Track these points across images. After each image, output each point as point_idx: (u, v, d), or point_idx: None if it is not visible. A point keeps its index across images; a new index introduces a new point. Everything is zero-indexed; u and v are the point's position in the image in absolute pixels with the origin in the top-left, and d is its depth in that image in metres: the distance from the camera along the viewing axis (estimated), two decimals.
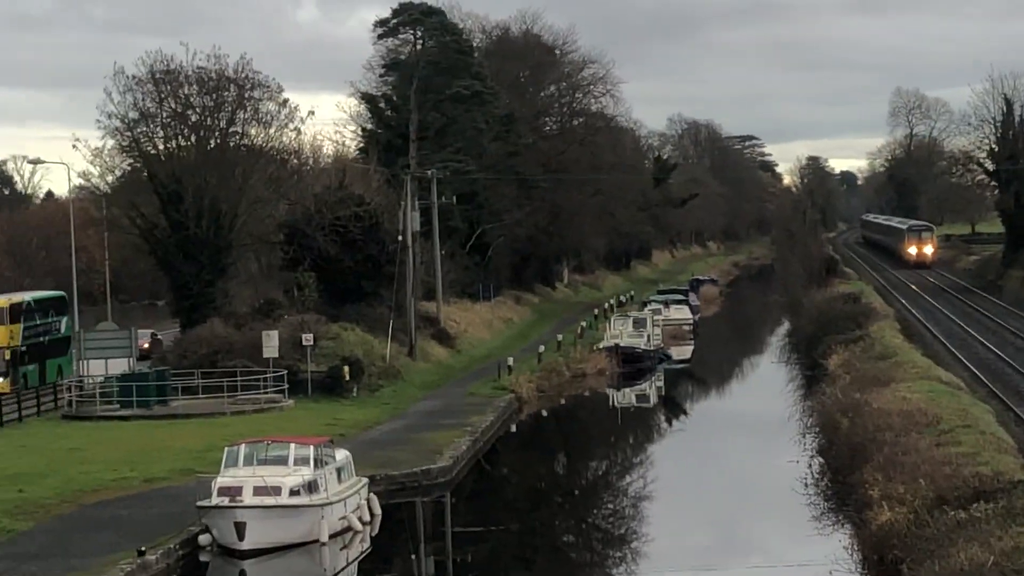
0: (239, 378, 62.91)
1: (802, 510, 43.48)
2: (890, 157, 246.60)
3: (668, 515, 47.15)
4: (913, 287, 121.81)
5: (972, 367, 68.09)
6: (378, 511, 43.48)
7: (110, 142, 75.79)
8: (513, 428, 65.76)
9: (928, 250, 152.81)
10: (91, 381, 64.71)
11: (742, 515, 46.97)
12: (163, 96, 74.54)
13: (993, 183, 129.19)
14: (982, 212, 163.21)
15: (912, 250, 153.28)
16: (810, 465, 49.36)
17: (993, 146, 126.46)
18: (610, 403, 76.95)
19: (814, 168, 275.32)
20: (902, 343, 70.45)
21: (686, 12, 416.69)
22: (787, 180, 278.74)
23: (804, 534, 40.91)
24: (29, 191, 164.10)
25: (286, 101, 76.72)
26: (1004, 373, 66.58)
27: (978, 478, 35.78)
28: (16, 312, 68.10)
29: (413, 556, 41.75)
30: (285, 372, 64.35)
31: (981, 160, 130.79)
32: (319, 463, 40.56)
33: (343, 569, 39.89)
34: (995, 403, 56.24)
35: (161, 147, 75.51)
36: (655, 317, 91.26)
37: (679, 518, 47.27)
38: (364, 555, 40.68)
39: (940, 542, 31.36)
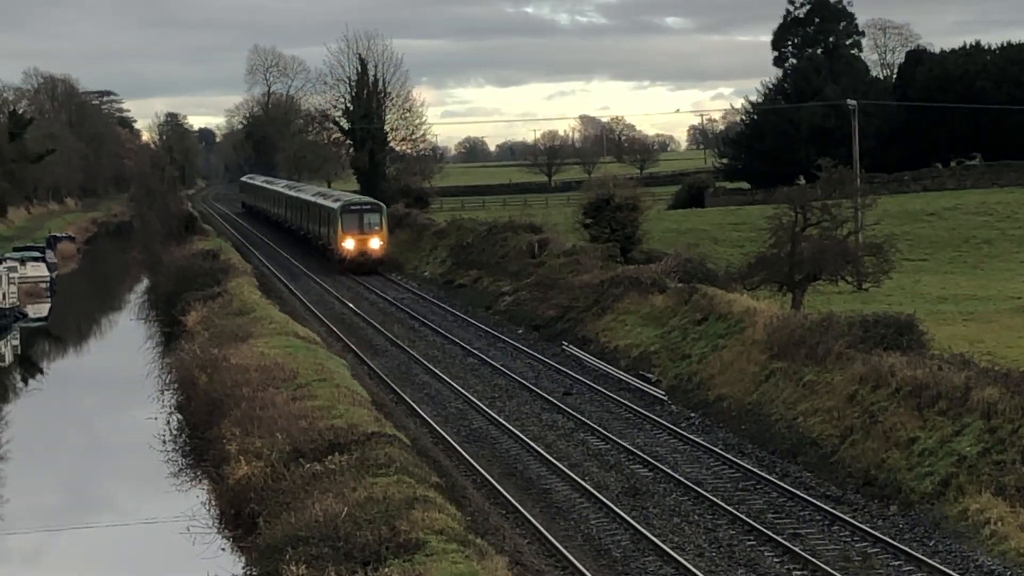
0: None
1: (160, 467, 43.24)
2: (248, 115, 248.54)
3: (21, 475, 45.71)
4: (270, 243, 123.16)
5: (328, 322, 69.66)
6: None
7: None
8: None
9: (376, 244, 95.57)
10: None
11: (99, 474, 46.28)
12: None
13: (348, 141, 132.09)
14: (338, 170, 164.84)
15: (349, 244, 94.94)
16: (168, 421, 49.09)
17: (348, 105, 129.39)
18: None
19: (173, 125, 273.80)
20: (260, 299, 71.00)
21: None
22: (146, 137, 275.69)
23: (162, 490, 40.71)
24: None
25: None
26: (358, 327, 68.46)
27: (333, 431, 36.66)
28: None
29: None
30: None
31: (337, 119, 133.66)
32: None
33: None
34: (350, 356, 57.79)
35: None
36: (11, 275, 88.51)
37: (33, 478, 45.91)
38: None
39: (296, 494, 31.96)
